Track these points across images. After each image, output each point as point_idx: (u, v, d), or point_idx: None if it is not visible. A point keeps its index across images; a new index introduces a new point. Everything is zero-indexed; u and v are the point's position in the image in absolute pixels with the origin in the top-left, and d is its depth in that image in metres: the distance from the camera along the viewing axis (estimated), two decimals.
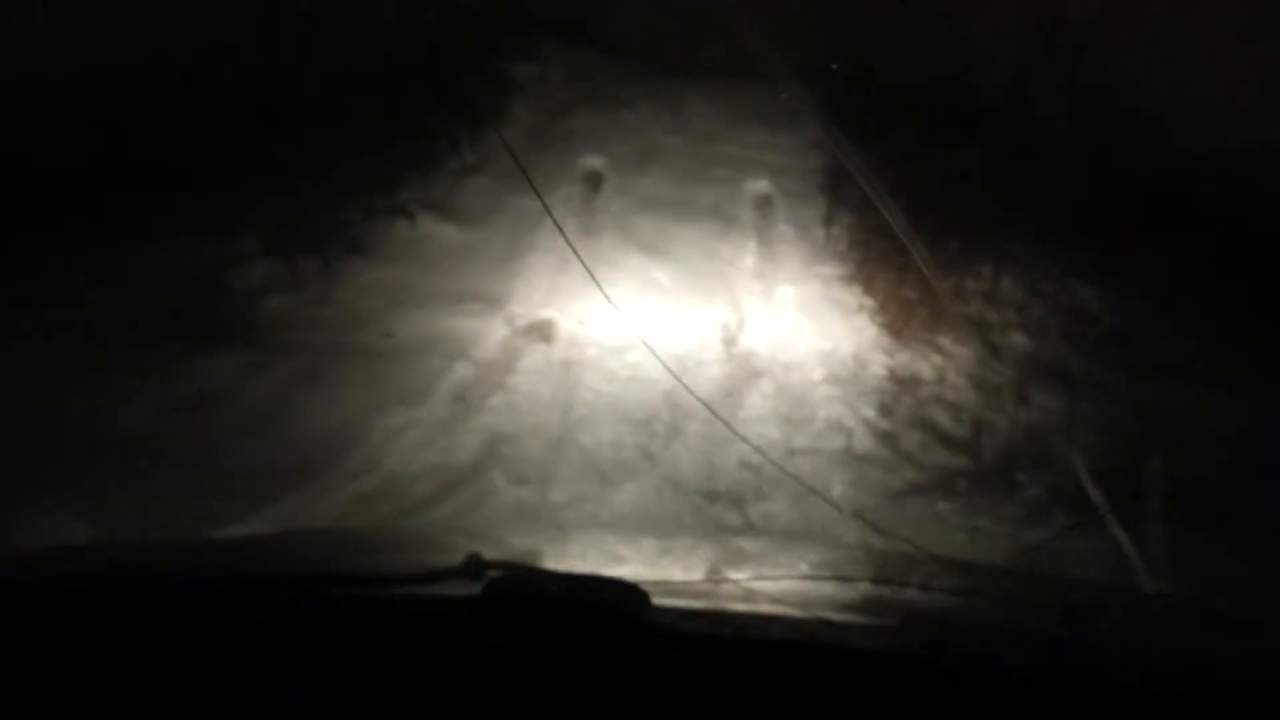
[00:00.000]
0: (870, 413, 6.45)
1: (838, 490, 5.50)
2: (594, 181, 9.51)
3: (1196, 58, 10.73)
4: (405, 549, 1.80)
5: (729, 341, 7.34)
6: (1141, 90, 10.62)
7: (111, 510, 4.51)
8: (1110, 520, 4.04)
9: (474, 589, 1.08)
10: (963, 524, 4.98)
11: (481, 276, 7.77)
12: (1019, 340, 7.56)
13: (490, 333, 7.15)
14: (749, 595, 1.38)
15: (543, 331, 7.21)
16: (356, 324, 6.98)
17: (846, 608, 1.41)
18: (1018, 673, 1.06)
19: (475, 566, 1.15)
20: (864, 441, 6.10)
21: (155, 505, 4.56)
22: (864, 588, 1.56)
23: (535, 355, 6.93)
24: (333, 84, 9.25)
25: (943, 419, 6.34)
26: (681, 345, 7.09)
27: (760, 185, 9.59)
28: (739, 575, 1.56)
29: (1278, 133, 10.27)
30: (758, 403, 6.68)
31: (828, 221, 8.97)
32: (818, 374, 6.94)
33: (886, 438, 6.15)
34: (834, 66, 11.41)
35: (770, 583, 1.50)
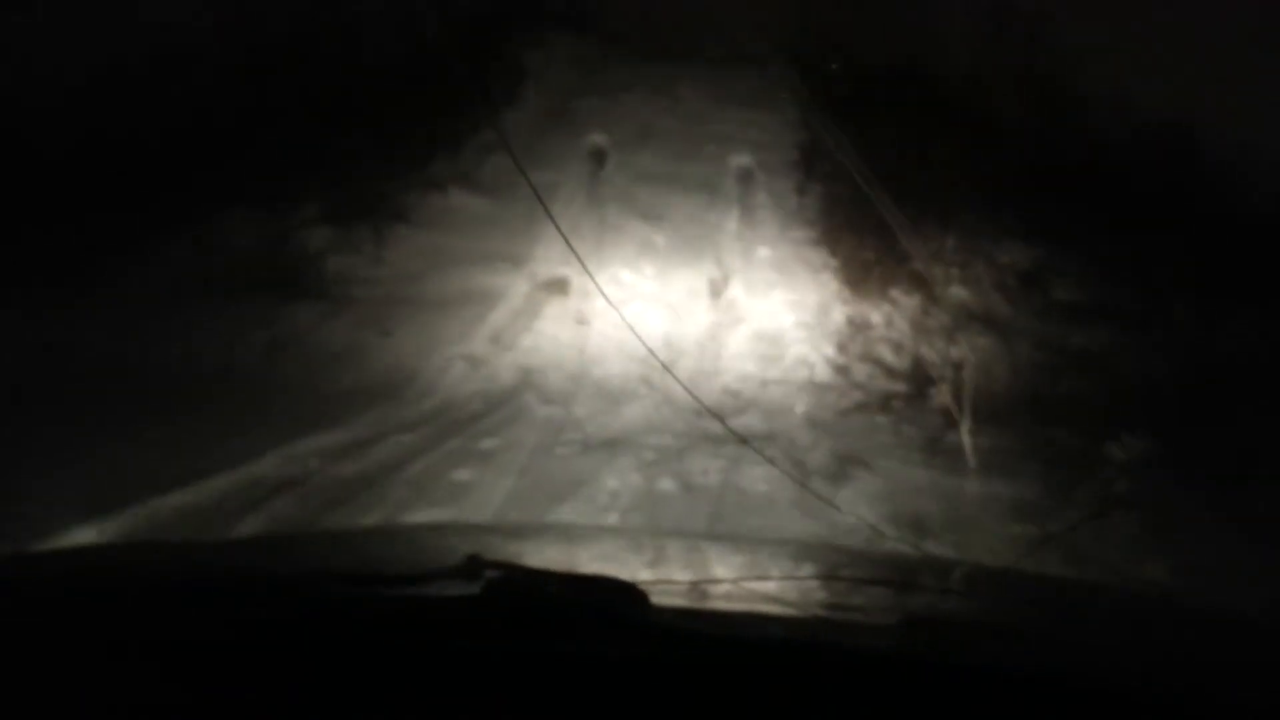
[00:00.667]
0: (830, 350, 7.86)
1: (800, 408, 6.89)
2: (598, 158, 10.84)
3: (1134, 49, 12.06)
4: (403, 550, 1.80)
5: (715, 293, 8.74)
6: (1083, 76, 11.93)
7: (235, 431, 5.70)
8: (960, 421, 5.40)
9: (472, 589, 1.08)
10: (893, 430, 6.38)
11: (506, 240, 9.11)
12: (957, 291, 8.95)
13: (516, 287, 8.53)
14: (747, 596, 1.36)
15: (560, 286, 8.58)
16: (407, 280, 8.35)
17: (844, 608, 1.40)
18: (1017, 673, 1.05)
19: (473, 567, 1.14)
20: (823, 372, 7.51)
21: (271, 424, 5.80)
22: (862, 588, 1.53)
23: (554, 305, 8.32)
24: (368, 73, 10.57)
25: (887, 355, 7.75)
26: (675, 296, 8.50)
27: (743, 160, 10.92)
28: (737, 576, 1.53)
29: (1199, 114, 11.67)
30: (738, 343, 8.09)
31: (800, 192, 10.33)
32: (788, 320, 8.34)
33: (841, 370, 7.56)
34: (834, 66, 12.57)
35: (768, 583, 1.48)
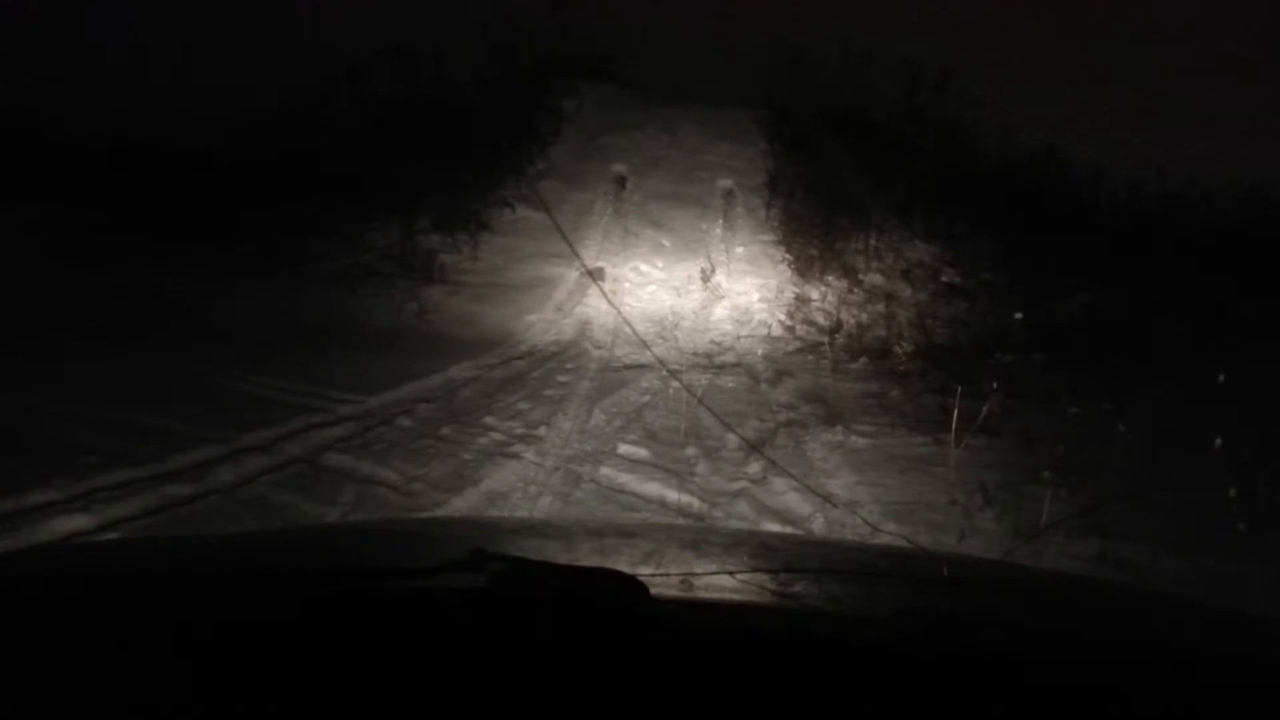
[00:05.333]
0: (782, 316, 11.26)
1: (761, 351, 10.27)
2: (621, 181, 14.24)
3: (1015, 95, 15.42)
4: (410, 544, 1.78)
5: (705, 279, 12.13)
6: (975, 117, 15.31)
7: (416, 357, 9.07)
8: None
9: (478, 581, 1.06)
10: (814, 361, 9.75)
11: (559, 243, 12.47)
12: (874, 278, 12.35)
13: (569, 275, 11.91)
14: (744, 588, 1.33)
15: (598, 274, 11.97)
16: (495, 271, 11.75)
17: (840, 601, 1.37)
18: (1010, 666, 1.03)
19: (478, 560, 1.12)
20: (777, 330, 10.90)
21: (417, 361, 9.07)
22: (857, 581, 1.50)
23: (596, 287, 11.71)
24: (451, 120, 13.94)
25: (819, 319, 11.15)
26: (677, 280, 11.89)
27: (726, 183, 14.32)
28: (734, 568, 1.48)
29: (1065, 143, 15.01)
30: (721, 312, 11.49)
31: (767, 207, 13.73)
32: (755, 296, 11.75)
33: (789, 328, 10.96)
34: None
35: (766, 576, 1.45)
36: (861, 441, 6.27)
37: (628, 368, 8.99)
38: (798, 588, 1.41)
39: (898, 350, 9.39)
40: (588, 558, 1.60)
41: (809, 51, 15.79)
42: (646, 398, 7.71)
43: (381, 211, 12.23)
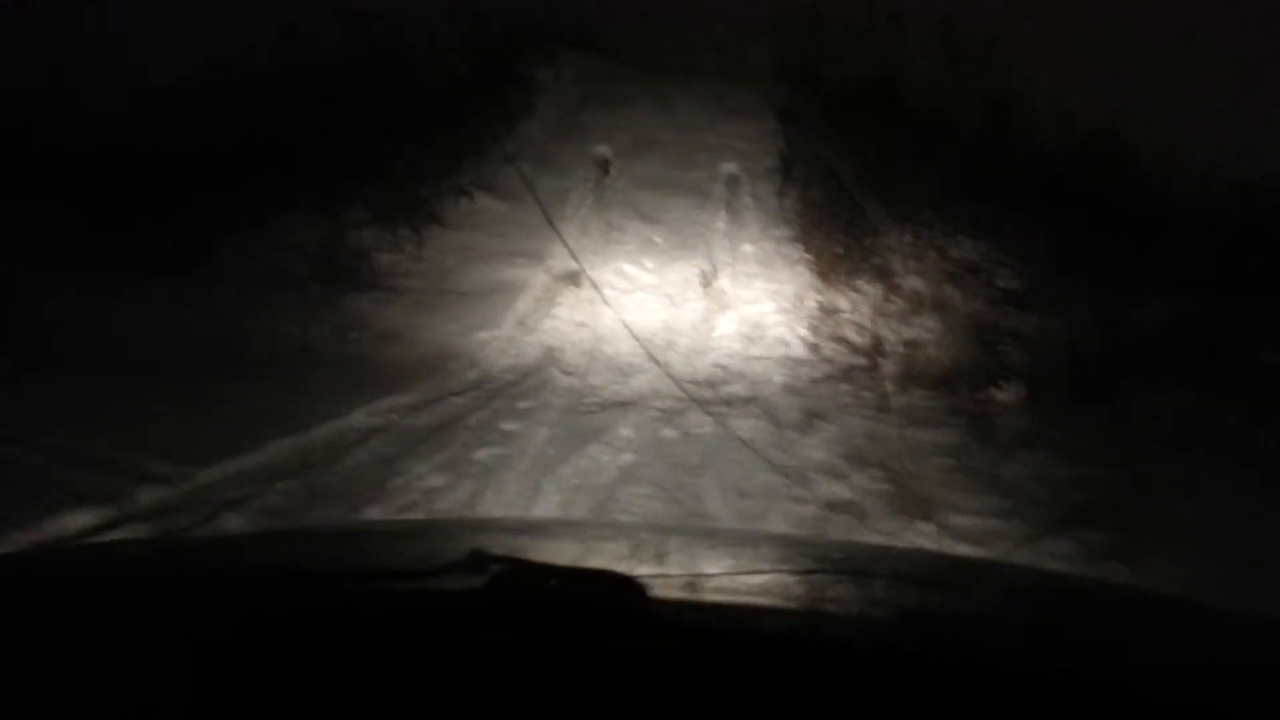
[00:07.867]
0: (803, 331, 8.87)
1: (780, 379, 7.89)
2: (604, 165, 11.84)
3: (1072, 66, 13.05)
4: (408, 545, 1.79)
5: (706, 284, 9.74)
6: (1027, 91, 12.92)
7: (313, 393, 6.67)
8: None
9: (476, 583, 1.05)
10: (853, 394, 7.38)
11: (526, 239, 10.11)
12: (913, 281, 9.96)
13: (536, 279, 9.52)
14: (743, 589, 1.34)
15: (573, 278, 9.57)
16: (444, 274, 9.35)
17: (839, 602, 1.37)
18: (1012, 667, 1.03)
19: (477, 561, 1.11)
20: (797, 350, 8.51)
21: (309, 400, 6.51)
22: (857, 582, 1.51)
23: (569, 295, 9.32)
24: (403, 93, 11.52)
25: (852, 335, 8.76)
26: (672, 287, 9.49)
27: (730, 167, 11.92)
28: (734, 569, 1.52)
29: (1130, 123, 12.65)
30: (727, 326, 9.10)
31: (780, 196, 11.33)
32: (769, 306, 9.36)
33: (813, 347, 8.57)
34: None
35: (765, 577, 1.46)
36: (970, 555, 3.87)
37: (604, 407, 6.63)
38: (798, 588, 1.41)
39: (968, 381, 7.00)
40: (587, 558, 1.58)
41: (828, 16, 13.37)
42: (627, 458, 5.36)
43: (310, 202, 9.81)
